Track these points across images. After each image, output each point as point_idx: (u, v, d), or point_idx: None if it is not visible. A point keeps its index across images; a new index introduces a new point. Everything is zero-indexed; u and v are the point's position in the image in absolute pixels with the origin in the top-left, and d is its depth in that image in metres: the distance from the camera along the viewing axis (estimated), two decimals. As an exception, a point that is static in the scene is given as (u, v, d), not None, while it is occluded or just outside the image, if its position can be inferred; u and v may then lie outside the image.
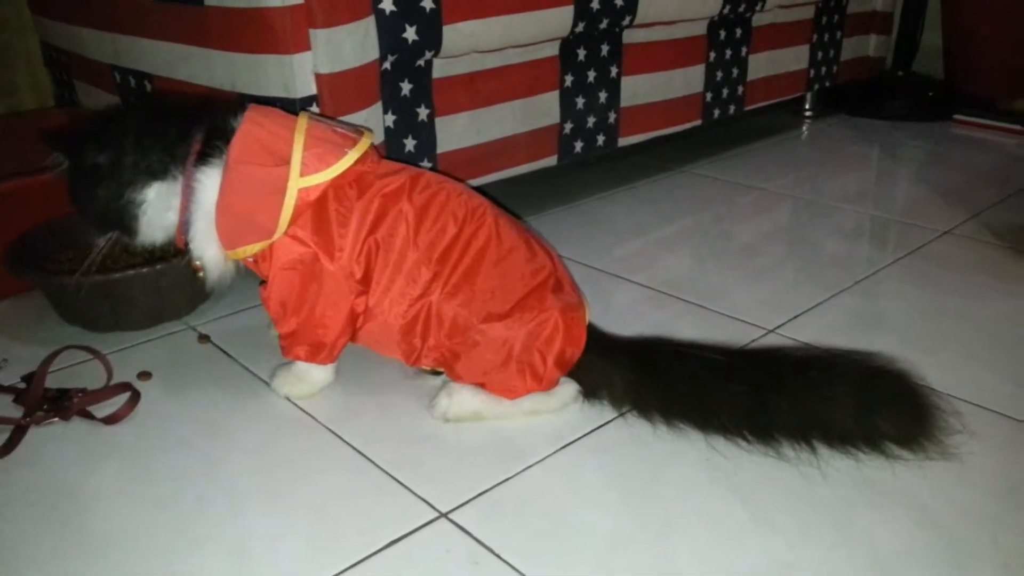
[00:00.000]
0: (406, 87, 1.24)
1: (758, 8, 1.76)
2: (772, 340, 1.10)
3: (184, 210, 0.94)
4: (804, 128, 2.22)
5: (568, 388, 0.94)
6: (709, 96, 1.77)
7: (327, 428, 0.93)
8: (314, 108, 1.13)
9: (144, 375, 1.03)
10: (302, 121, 0.92)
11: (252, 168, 0.89)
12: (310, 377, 0.98)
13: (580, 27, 1.40)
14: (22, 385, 1.01)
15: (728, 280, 1.29)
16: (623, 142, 1.61)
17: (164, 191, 0.93)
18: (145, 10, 1.28)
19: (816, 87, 2.10)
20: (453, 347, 0.92)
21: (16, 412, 0.96)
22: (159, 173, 0.92)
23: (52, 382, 1.01)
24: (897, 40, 2.27)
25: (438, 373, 1.00)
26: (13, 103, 1.95)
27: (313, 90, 1.12)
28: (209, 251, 0.94)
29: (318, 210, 0.91)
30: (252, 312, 1.21)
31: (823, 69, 2.08)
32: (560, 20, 1.37)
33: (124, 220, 0.94)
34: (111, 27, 1.40)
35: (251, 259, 0.93)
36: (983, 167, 1.85)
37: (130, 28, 1.35)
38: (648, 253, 1.41)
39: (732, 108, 1.85)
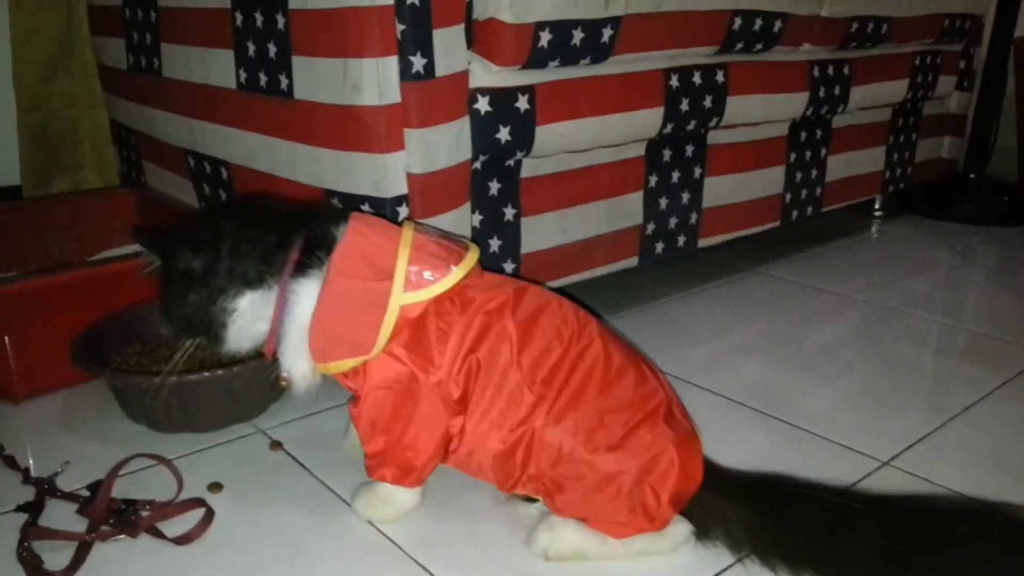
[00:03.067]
0: (494, 187, 1.19)
1: (839, 110, 1.72)
2: (887, 475, 1.01)
3: (276, 321, 0.88)
4: (874, 229, 2.16)
5: (681, 528, 0.86)
6: (788, 197, 1.71)
7: (414, 560, 0.85)
8: (403, 208, 1.08)
9: (215, 487, 0.97)
10: (407, 233, 0.87)
11: (353, 282, 0.83)
12: (395, 500, 0.91)
13: (668, 128, 1.36)
14: (86, 493, 0.94)
15: (824, 398, 1.21)
16: (703, 243, 1.56)
17: (258, 301, 0.88)
18: (227, 98, 1.26)
19: (891, 189, 2.04)
20: (556, 478, 0.85)
21: (80, 525, 0.89)
22: (254, 282, 0.87)
23: (117, 490, 0.94)
24: (970, 142, 2.22)
25: (533, 501, 0.92)
26: (77, 180, 1.95)
27: (404, 190, 1.08)
28: (299, 364, 0.89)
29: (417, 326, 0.85)
30: (325, 416, 1.15)
31: (898, 171, 2.03)
32: (650, 121, 1.33)
33: (213, 328, 0.89)
34: (188, 111, 1.39)
35: (343, 374, 0.87)
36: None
37: (209, 114, 1.33)
38: (730, 361, 1.33)
39: (810, 209, 1.79)
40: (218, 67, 1.27)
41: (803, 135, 1.70)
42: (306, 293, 0.86)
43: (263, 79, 1.18)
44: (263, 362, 1.01)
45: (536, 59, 1.13)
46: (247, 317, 0.88)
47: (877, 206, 2.24)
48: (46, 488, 0.95)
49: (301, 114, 1.13)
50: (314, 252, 0.86)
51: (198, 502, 0.92)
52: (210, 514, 0.90)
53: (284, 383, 0.92)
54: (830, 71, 1.65)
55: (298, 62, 1.11)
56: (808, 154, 1.73)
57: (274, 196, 1.05)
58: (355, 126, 1.05)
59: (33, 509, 0.91)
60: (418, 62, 1.02)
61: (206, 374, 1.03)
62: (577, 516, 0.86)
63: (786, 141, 1.66)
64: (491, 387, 0.85)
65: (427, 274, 0.84)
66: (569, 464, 0.84)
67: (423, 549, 0.87)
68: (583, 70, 1.22)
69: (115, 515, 0.90)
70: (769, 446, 1.08)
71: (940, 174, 2.21)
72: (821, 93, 1.64)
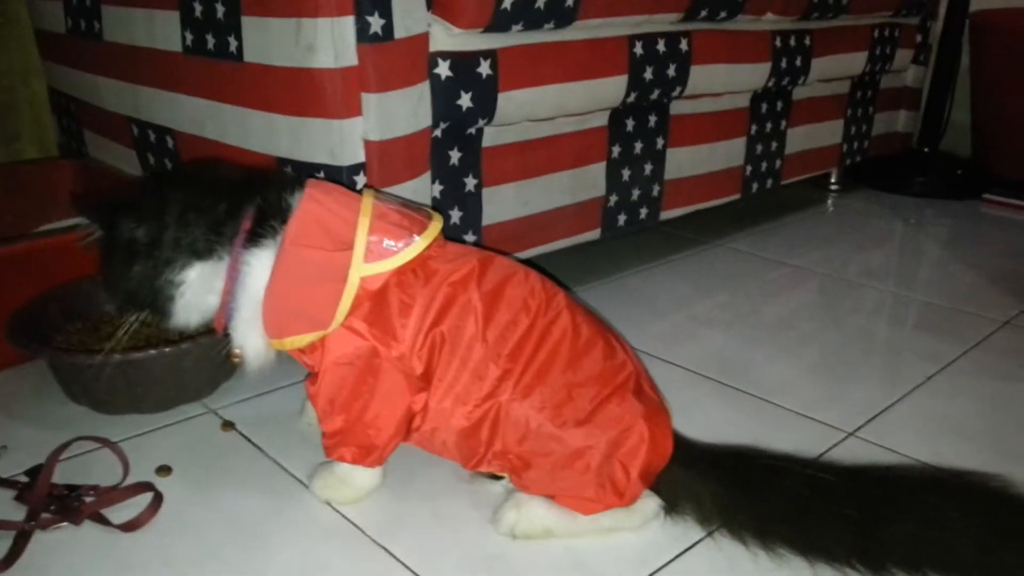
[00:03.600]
0: (455, 156, 1.15)
1: (800, 81, 1.71)
2: (853, 445, 1.01)
3: (227, 294, 0.84)
4: (830, 203, 2.16)
5: (650, 503, 0.84)
6: (749, 169, 1.70)
7: (376, 543, 0.82)
8: (361, 177, 1.04)
9: (163, 470, 0.92)
10: (367, 201, 0.83)
11: (310, 252, 0.79)
12: (355, 481, 0.88)
13: (632, 97, 1.33)
14: (25, 479, 0.89)
15: (786, 369, 1.20)
16: (665, 215, 1.54)
17: (207, 272, 0.83)
18: (172, 62, 1.20)
19: (847, 162, 2.04)
20: (522, 454, 0.82)
21: (18, 513, 0.84)
22: (203, 252, 0.83)
23: (59, 475, 0.89)
24: (924, 117, 2.24)
25: (498, 478, 0.89)
26: (13, 151, 1.85)
27: (361, 158, 1.03)
28: (252, 340, 0.84)
29: (378, 298, 0.81)
30: (278, 395, 1.10)
31: (855, 144, 2.04)
32: (613, 89, 1.30)
33: (158, 301, 0.84)
34: (131, 77, 1.32)
35: (299, 350, 0.83)
36: (1024, 251, 1.80)
37: (153, 80, 1.26)
38: (695, 334, 1.32)
39: (770, 182, 1.78)
40: (163, 29, 1.20)
41: (764, 107, 1.68)
42: (259, 264, 0.81)
43: (210, 41, 1.12)
44: (213, 338, 0.96)
45: (499, 22, 1.08)
46: (196, 290, 0.84)
47: (833, 180, 2.24)
48: (-18, 476, 0.89)
49: (251, 78, 1.07)
50: (267, 221, 0.82)
51: (145, 486, 0.87)
52: (158, 498, 0.86)
53: (236, 360, 0.88)
54: (792, 42, 1.63)
55: (248, 22, 1.05)
56: (769, 126, 1.72)
57: (225, 163, 0.99)
58: (309, 90, 1.00)
59: (-33, 498, 0.86)
60: (376, 23, 0.98)
61: (152, 352, 0.98)
62: (544, 493, 0.83)
63: (747, 113, 1.65)
64: (455, 361, 0.82)
65: (388, 243, 0.81)
66: (536, 440, 0.81)
67: (385, 531, 0.84)
68: (547, 35, 1.18)
69: (56, 501, 0.85)
70: (733, 417, 1.07)
71: (895, 148, 2.22)
72: (783, 64, 1.62)
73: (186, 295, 0.84)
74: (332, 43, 0.97)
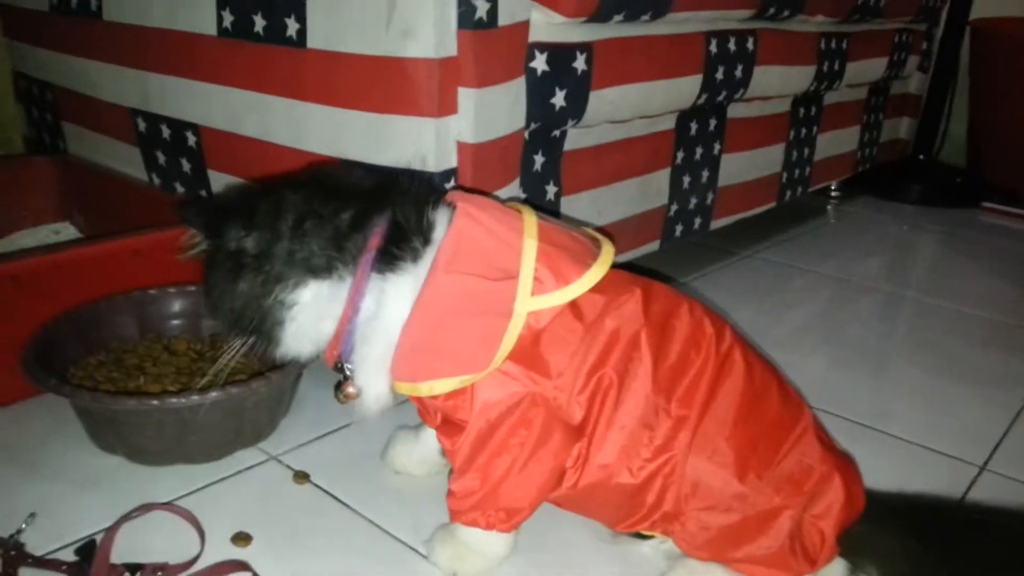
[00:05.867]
0: (539, 160, 1.02)
1: (835, 86, 1.64)
2: (991, 481, 0.93)
3: (347, 322, 0.69)
4: (831, 211, 2.11)
5: (836, 567, 0.73)
6: (785, 177, 1.63)
7: (530, 624, 0.69)
8: (451, 184, 0.90)
9: (242, 538, 0.76)
10: (529, 219, 0.69)
11: (468, 281, 0.65)
12: (488, 548, 0.74)
13: (703, 99, 1.23)
14: (73, 558, 0.72)
15: (881, 394, 1.12)
16: (715, 225, 1.44)
17: (324, 294, 0.69)
18: (202, 47, 1.03)
19: (860, 169, 2.00)
20: (700, 516, 0.70)
21: (74, 604, 0.67)
22: (320, 271, 0.68)
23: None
24: (920, 124, 2.22)
25: (646, 537, 0.77)
26: (-38, 144, 1.61)
27: (454, 163, 0.89)
28: (377, 381, 0.69)
29: (535, 336, 0.68)
30: (343, 435, 0.95)
31: (867, 151, 1.99)
32: (688, 89, 1.19)
33: (266, 325, 0.69)
34: (141, 64, 1.14)
35: (439, 397, 0.69)
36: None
37: (172, 67, 1.09)
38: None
39: (800, 189, 1.71)
40: (190, 9, 1.03)
41: (801, 111, 1.61)
42: (396, 292, 0.67)
43: (259, 23, 0.95)
44: (284, 372, 0.81)
45: (603, 10, 0.96)
46: (310, 314, 0.69)
47: (834, 187, 2.20)
48: (15, 555, 0.71)
49: (316, 67, 0.92)
50: (405, 240, 0.67)
51: (237, 565, 0.71)
52: (256, 580, 0.70)
53: (346, 401, 0.73)
54: (833, 44, 1.56)
55: (315, 3, 0.89)
56: (804, 131, 1.64)
57: (349, 167, 0.83)
58: (399, 83, 0.86)
59: (5, 587, 0.68)
60: (482, 6, 0.84)
61: (215, 393, 0.81)
62: (720, 559, 0.71)
63: (788, 117, 1.57)
64: (622, 408, 0.69)
65: (556, 274, 0.67)
66: (719, 499, 0.69)
67: (535, 607, 0.71)
68: (639, 28, 1.06)
69: (122, 587, 0.68)
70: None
71: (898, 155, 2.19)
72: (825, 67, 1.55)
73: (298, 319, 0.69)
74: (434, 29, 0.83)
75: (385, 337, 0.67)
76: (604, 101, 1.04)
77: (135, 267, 1.01)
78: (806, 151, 1.68)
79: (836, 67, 1.60)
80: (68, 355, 0.92)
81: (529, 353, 0.67)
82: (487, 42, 0.86)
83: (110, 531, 0.72)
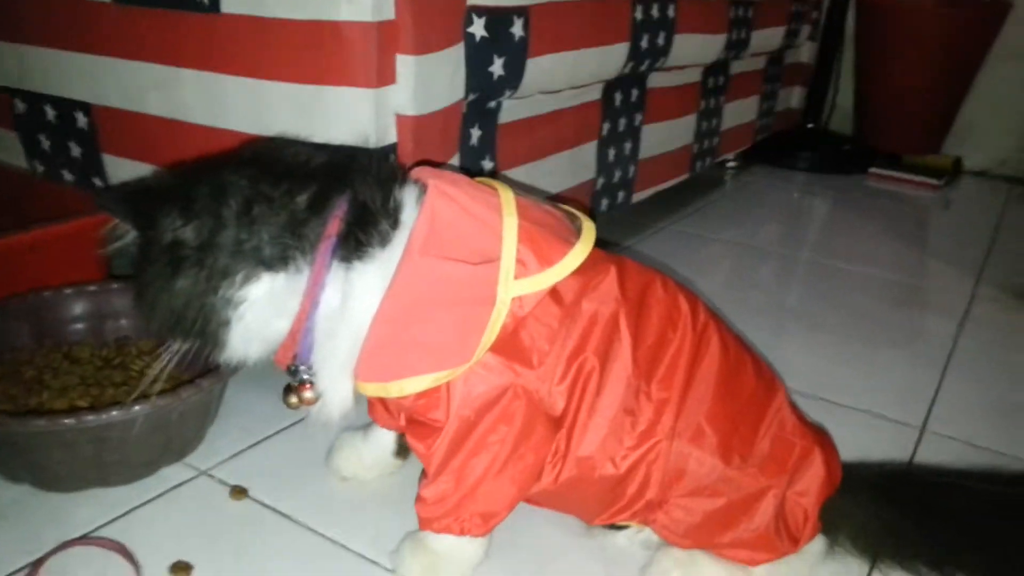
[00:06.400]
0: (475, 134, 0.96)
1: (741, 54, 1.65)
2: (935, 442, 0.95)
3: (305, 318, 0.61)
4: (728, 180, 2.14)
5: (816, 543, 0.71)
6: (696, 148, 1.62)
7: (514, 634, 0.64)
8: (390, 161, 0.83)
9: (181, 569, 0.67)
10: (506, 195, 0.63)
11: (447, 266, 0.59)
12: (462, 556, 0.68)
13: (628, 67, 1.20)
14: (-16, 607, 0.62)
15: (812, 359, 1.13)
16: (636, 198, 1.42)
17: (278, 289, 0.61)
18: (95, 16, 0.91)
19: (758, 138, 2.03)
20: (686, 503, 0.67)
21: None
22: (273, 261, 0.60)
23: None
24: (809, 93, 2.28)
25: (620, 528, 0.73)
26: None
27: (393, 137, 0.82)
28: (343, 383, 0.62)
29: (515, 324, 0.62)
30: (275, 443, 0.87)
31: (764, 120, 2.03)
32: (616, 58, 1.15)
33: (210, 326, 0.60)
34: (14, 35, 1.00)
35: (410, 397, 0.62)
36: (947, 223, 1.88)
37: (57, 39, 0.96)
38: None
39: (708, 160, 1.72)
40: (73, -32, 0.90)
41: (711, 81, 1.61)
42: (363, 282, 0.60)
43: (160, -15, 0.85)
44: (216, 377, 0.73)
45: (541, -29, 0.91)
46: (260, 311, 0.61)
47: (731, 157, 2.23)
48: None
49: (233, 34, 0.82)
50: (372, 223, 0.60)
51: (187, 600, 0.63)
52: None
53: (301, 405, 0.65)
54: (741, 12, 1.57)
55: (228, -39, 0.80)
56: (712, 101, 1.64)
57: (293, 142, 0.74)
58: (332, 50, 0.78)
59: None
60: (419, -35, 0.77)
61: (139, 407, 0.71)
62: (704, 545, 0.69)
63: (699, 87, 1.56)
64: (603, 395, 0.65)
65: (539, 254, 0.62)
66: (705, 484, 0.66)
67: (520, 612, 0.66)
68: (571, -8, 1.01)
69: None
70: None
71: (790, 124, 2.24)
72: (734, 36, 1.55)
73: (247, 318, 0.61)
74: (370, -11, 0.75)
75: (352, 333, 0.60)
76: (540, 69, 0.98)
77: (30, 266, 0.89)
78: (715, 121, 1.69)
79: (744, 35, 1.60)
80: (-49, 370, 0.80)
81: (509, 342, 0.62)
82: (426, 4, 0.79)
83: (32, 571, 0.62)
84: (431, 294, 0.59)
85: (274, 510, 0.76)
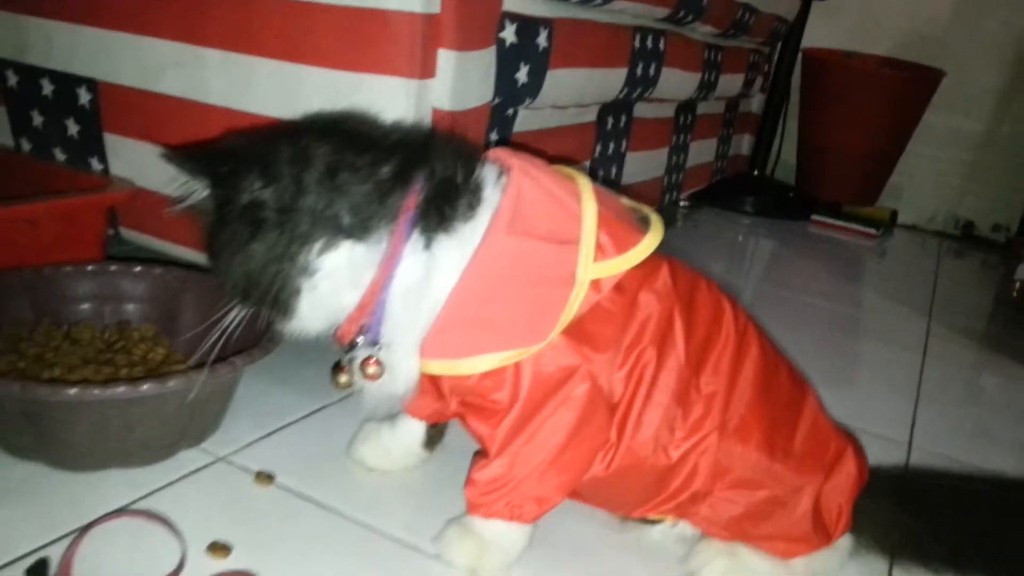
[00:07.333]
0: (493, 140, 0.97)
1: (709, 96, 1.72)
2: (923, 457, 0.99)
3: (377, 291, 0.60)
4: (679, 219, 2.20)
5: (844, 539, 0.74)
6: (665, 180, 1.68)
7: (564, 619, 0.64)
8: (424, 155, 0.83)
9: (220, 549, 0.65)
10: (584, 182, 0.64)
11: (532, 244, 0.59)
12: (508, 542, 0.68)
13: (623, 93, 1.24)
14: (13, 584, 0.58)
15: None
16: (616, 223, 1.45)
17: (356, 259, 0.59)
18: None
19: (713, 180, 2.11)
20: (729, 494, 0.68)
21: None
22: (354, 230, 0.59)
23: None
24: (756, 142, 2.38)
25: (654, 522, 0.74)
26: None
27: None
28: (412, 359, 0.62)
29: (590, 308, 0.63)
30: (294, 431, 0.84)
31: (720, 163, 2.11)
32: (615, 82, 1.19)
33: (281, 294, 0.59)
34: (13, 5, 0.96)
35: (471, 377, 0.62)
36: (888, 269, 1.98)
37: (66, 11, 0.93)
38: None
39: (674, 194, 1.78)
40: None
41: (681, 119, 1.67)
42: (445, 256, 0.60)
43: (194, -38, 0.84)
44: (247, 357, 0.71)
45: (571, -17, 0.94)
46: (336, 281, 0.60)
47: (683, 197, 2.31)
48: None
49: (270, 16, 0.82)
50: (456, 197, 0.60)
51: (237, 576, 0.60)
52: (265, 593, 0.60)
53: (348, 384, 0.64)
54: (713, 56, 1.64)
55: (275, -57, 0.80)
56: (681, 138, 1.71)
57: (367, 117, 0.73)
58: (376, 38, 0.78)
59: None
60: (470, -38, 0.79)
61: (172, 382, 0.68)
62: (742, 537, 0.70)
63: (672, 122, 1.62)
64: (658, 386, 0.66)
65: (615, 240, 0.63)
66: (750, 477, 0.68)
67: (565, 604, 0.66)
68: (591, 12, 1.05)
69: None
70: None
71: (738, 170, 2.34)
72: (706, 77, 1.62)
73: (320, 287, 0.60)
74: (425, -21, 0.76)
75: (429, 307, 0.60)
76: (557, 82, 1.01)
77: (27, 241, 0.84)
78: (682, 157, 1.75)
79: (713, 78, 1.67)
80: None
81: (579, 326, 0.62)
82: (468, 1, 0.81)
83: (70, 550, 0.58)
84: (512, 272, 0.60)
85: (304, 497, 0.74)
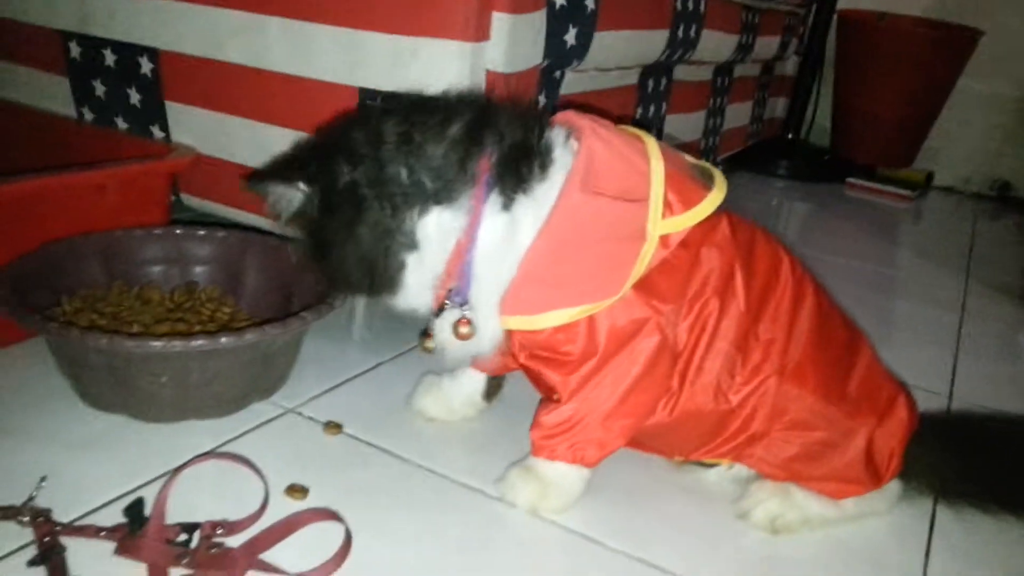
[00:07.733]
0: (541, 103, 0.99)
1: (746, 58, 1.73)
2: (965, 408, 1.01)
3: (462, 254, 0.63)
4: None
5: (893, 483, 0.76)
6: (703, 144, 1.69)
7: (631, 556, 0.67)
8: (478, 116, 0.85)
9: (297, 491, 0.68)
10: (651, 142, 0.67)
11: (605, 202, 0.62)
12: (568, 484, 0.71)
13: (665, 55, 1.25)
14: (108, 522, 0.62)
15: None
16: (655, 186, 1.47)
17: (444, 224, 0.62)
18: (172, -40, 0.91)
19: (748, 143, 2.11)
20: (787, 436, 0.71)
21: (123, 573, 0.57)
22: (440, 194, 0.61)
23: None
24: (790, 105, 2.38)
25: (710, 465, 0.77)
26: None
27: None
28: (495, 317, 0.65)
29: (659, 262, 0.66)
30: (354, 385, 0.88)
31: (756, 126, 2.11)
32: (658, 43, 1.20)
33: (389, 268, 0.62)
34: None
35: (544, 331, 0.65)
36: (924, 230, 1.98)
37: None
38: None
39: (711, 158, 1.78)
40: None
41: (719, 81, 1.68)
42: (524, 216, 0.62)
43: (253, -69, 0.86)
44: (316, 312, 0.74)
45: (621, -55, 0.95)
46: (435, 249, 0.63)
47: (719, 160, 2.31)
48: (42, 521, 0.60)
49: (331, -17, 0.84)
50: (530, 158, 0.63)
51: (326, 514, 0.64)
52: (348, 536, 0.63)
53: (434, 348, 0.68)
54: (751, 18, 1.64)
55: (332, -90, 0.82)
56: (719, 101, 1.71)
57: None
58: (436, 2, 0.80)
59: (51, 561, 0.57)
60: (524, -75, 0.80)
61: (250, 335, 0.72)
62: (796, 479, 0.73)
63: (710, 85, 1.63)
64: (719, 334, 0.69)
65: (681, 197, 0.65)
66: (806, 419, 0.70)
67: (629, 539, 0.69)
68: (634, -28, 1.06)
69: (183, 551, 0.59)
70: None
71: (773, 133, 2.33)
72: (744, 39, 1.62)
73: (425, 258, 0.63)
74: (478, -57, 0.78)
75: (510, 267, 0.63)
76: (603, 44, 1.02)
77: (95, 207, 0.88)
78: (719, 120, 1.75)
79: (750, 40, 1.67)
80: (38, 302, 0.79)
81: (647, 280, 0.65)
82: (524, -35, 0.83)
83: (164, 490, 0.62)
84: (586, 229, 0.62)
85: (371, 444, 0.77)
